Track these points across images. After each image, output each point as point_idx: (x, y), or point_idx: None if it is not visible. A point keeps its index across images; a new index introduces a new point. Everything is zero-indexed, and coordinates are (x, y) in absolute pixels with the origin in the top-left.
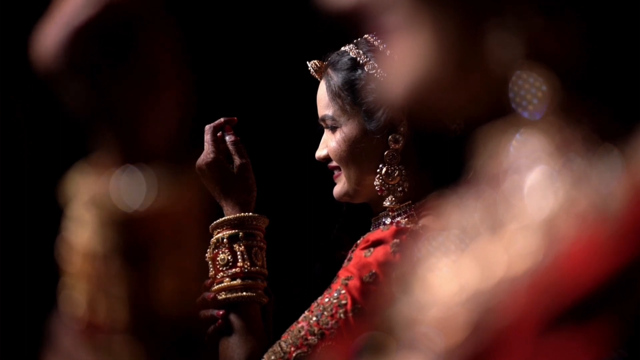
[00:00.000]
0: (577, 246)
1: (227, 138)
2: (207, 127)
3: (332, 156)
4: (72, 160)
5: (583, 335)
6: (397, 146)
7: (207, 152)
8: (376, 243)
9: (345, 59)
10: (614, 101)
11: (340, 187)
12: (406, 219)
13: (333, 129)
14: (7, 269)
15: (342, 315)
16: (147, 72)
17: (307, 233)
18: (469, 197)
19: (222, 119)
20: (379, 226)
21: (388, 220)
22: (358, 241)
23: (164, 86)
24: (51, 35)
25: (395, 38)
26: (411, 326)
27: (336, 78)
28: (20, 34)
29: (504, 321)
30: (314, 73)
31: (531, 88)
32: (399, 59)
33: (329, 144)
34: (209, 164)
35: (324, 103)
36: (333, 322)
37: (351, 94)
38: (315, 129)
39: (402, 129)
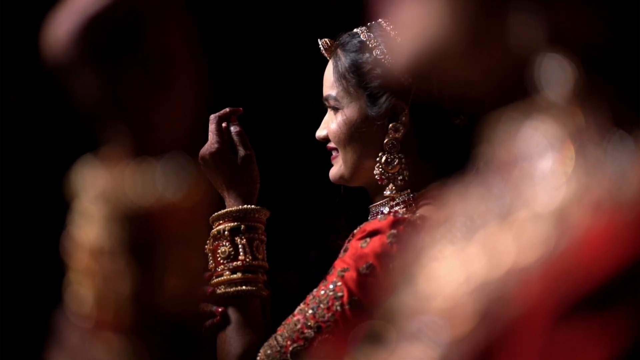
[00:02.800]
0: (590, 235)
1: (232, 129)
2: (212, 116)
3: (331, 137)
4: (72, 160)
5: (597, 327)
6: (397, 135)
7: (212, 142)
8: (372, 233)
9: (355, 41)
10: (630, 87)
11: (336, 169)
12: (404, 209)
13: (335, 110)
14: (11, 265)
15: (338, 307)
16: (159, 64)
17: (302, 220)
18: (476, 186)
19: (227, 109)
20: (377, 215)
21: (386, 210)
22: (355, 231)
23: (176, 78)
24: (63, 26)
25: (407, 2)
26: (414, 316)
27: (344, 59)
28: (21, 34)
29: (514, 311)
30: (324, 51)
31: (553, 71)
32: (409, 24)
33: (329, 125)
34: (212, 154)
35: (329, 83)
36: (329, 314)
37: (356, 77)
38: (318, 109)
39: (403, 118)
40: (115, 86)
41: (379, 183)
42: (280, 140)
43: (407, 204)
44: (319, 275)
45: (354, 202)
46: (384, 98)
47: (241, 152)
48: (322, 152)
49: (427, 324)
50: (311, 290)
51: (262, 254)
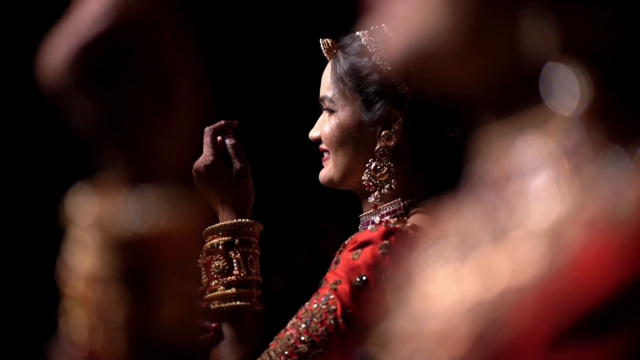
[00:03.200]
0: (586, 255)
1: (227, 141)
2: (207, 129)
3: (323, 139)
4: (73, 160)
5: (593, 352)
6: (389, 143)
7: (206, 154)
8: (364, 244)
9: (355, 44)
10: (632, 97)
11: (326, 171)
12: (395, 219)
13: (330, 112)
14: (7, 288)
15: (332, 321)
16: (158, 88)
17: (292, 224)
18: (469, 203)
19: (222, 122)
20: (367, 224)
21: (377, 219)
22: (345, 242)
23: (177, 101)
24: (58, 51)
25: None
26: (408, 340)
27: (343, 61)
28: (21, 34)
29: (509, 334)
30: (324, 52)
31: (566, 82)
32: (405, 24)
33: (322, 127)
34: (207, 167)
35: (327, 84)
36: (323, 328)
37: (354, 81)
38: (310, 112)
39: (397, 126)
40: (111, 111)
41: (366, 189)
42: (268, 142)
43: (397, 213)
44: (308, 280)
45: (345, 207)
46: (379, 105)
47: (236, 165)
48: (312, 156)
49: (421, 348)
50: (300, 294)
51: (256, 268)
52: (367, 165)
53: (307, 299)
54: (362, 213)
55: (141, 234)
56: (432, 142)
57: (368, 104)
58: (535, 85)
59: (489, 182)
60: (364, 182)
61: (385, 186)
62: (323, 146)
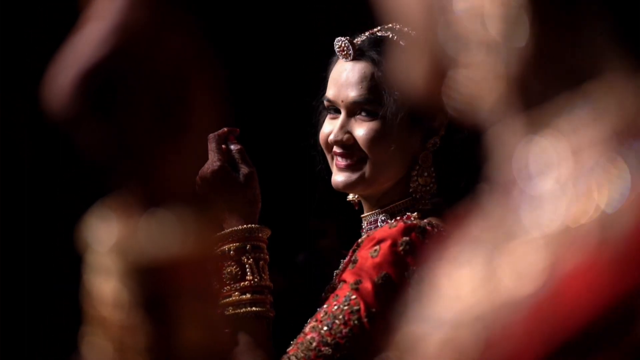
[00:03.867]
0: (578, 271)
1: (232, 147)
2: (211, 135)
3: (364, 145)
4: (74, 161)
5: None
6: (433, 149)
7: (213, 160)
8: (383, 241)
9: (393, 49)
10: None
11: (354, 176)
12: (415, 214)
13: (370, 116)
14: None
15: (356, 321)
16: (166, 112)
17: (289, 224)
18: (488, 206)
19: (225, 129)
20: (374, 224)
21: (382, 218)
22: (359, 240)
23: (187, 124)
24: (62, 78)
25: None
26: (417, 346)
27: (386, 65)
28: (21, 34)
29: (504, 349)
30: (341, 51)
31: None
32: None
33: (356, 130)
34: (214, 172)
35: (365, 85)
36: (347, 330)
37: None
38: (305, 112)
39: (442, 132)
40: (120, 136)
41: (414, 195)
42: (266, 141)
43: (409, 214)
44: (307, 280)
45: (336, 206)
46: (425, 112)
47: (244, 169)
48: (312, 156)
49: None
50: (299, 294)
51: (267, 274)
52: (414, 173)
53: (306, 298)
54: (363, 213)
55: (159, 259)
56: (459, 146)
57: (415, 112)
58: (545, 81)
59: (502, 185)
60: (411, 189)
61: (426, 189)
62: (344, 150)
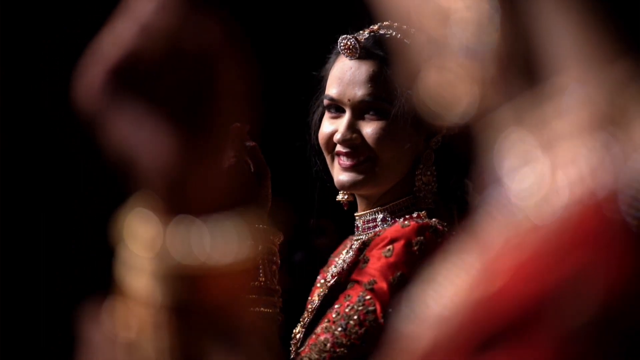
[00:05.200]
0: (511, 258)
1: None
2: None
3: (374, 144)
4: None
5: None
6: (435, 147)
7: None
8: (396, 241)
9: (403, 48)
10: None
11: (361, 176)
12: (423, 212)
13: (380, 115)
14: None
15: (372, 322)
16: (194, 111)
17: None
18: (492, 204)
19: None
20: (372, 222)
21: (380, 216)
22: (364, 239)
23: (216, 124)
24: (90, 77)
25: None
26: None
27: (395, 64)
28: (21, 34)
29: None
30: (346, 50)
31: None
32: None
33: (364, 130)
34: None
35: (373, 84)
36: (362, 330)
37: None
38: (302, 111)
39: (444, 131)
40: (147, 135)
41: (419, 194)
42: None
43: (405, 209)
44: (304, 279)
45: (334, 204)
46: None
47: (257, 168)
48: (310, 156)
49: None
50: (296, 293)
51: (277, 278)
52: (418, 172)
53: (304, 297)
54: (357, 212)
55: (195, 267)
56: (458, 144)
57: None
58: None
59: (491, 182)
60: (415, 188)
61: (428, 187)
62: (350, 150)
